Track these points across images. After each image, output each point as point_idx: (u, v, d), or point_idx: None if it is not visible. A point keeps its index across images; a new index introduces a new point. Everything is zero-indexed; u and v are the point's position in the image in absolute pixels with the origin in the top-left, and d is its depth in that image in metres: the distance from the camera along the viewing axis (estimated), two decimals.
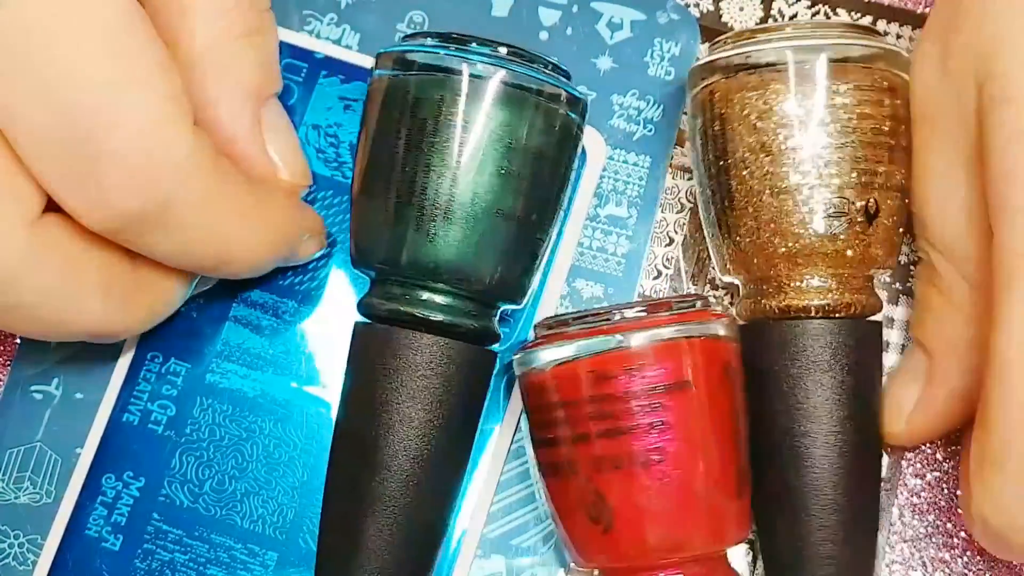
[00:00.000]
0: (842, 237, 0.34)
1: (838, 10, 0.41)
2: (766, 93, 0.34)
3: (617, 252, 0.40)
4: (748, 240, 0.35)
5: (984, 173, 0.32)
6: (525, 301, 0.36)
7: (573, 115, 0.34)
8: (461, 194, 0.33)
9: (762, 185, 0.34)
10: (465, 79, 0.33)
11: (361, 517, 0.33)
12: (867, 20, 0.41)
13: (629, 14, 0.41)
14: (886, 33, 0.41)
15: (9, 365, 0.39)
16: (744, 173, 0.35)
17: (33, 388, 0.39)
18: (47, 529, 0.38)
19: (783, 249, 0.35)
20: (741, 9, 0.41)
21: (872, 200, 0.34)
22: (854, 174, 0.34)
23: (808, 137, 0.34)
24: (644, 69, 0.40)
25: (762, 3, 0.41)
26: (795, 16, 0.41)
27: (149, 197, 0.30)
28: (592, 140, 0.40)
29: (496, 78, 0.33)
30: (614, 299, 0.39)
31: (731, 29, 0.41)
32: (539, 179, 0.34)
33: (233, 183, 0.33)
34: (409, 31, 0.41)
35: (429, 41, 0.34)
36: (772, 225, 0.34)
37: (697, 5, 0.41)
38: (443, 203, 0.33)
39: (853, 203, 0.34)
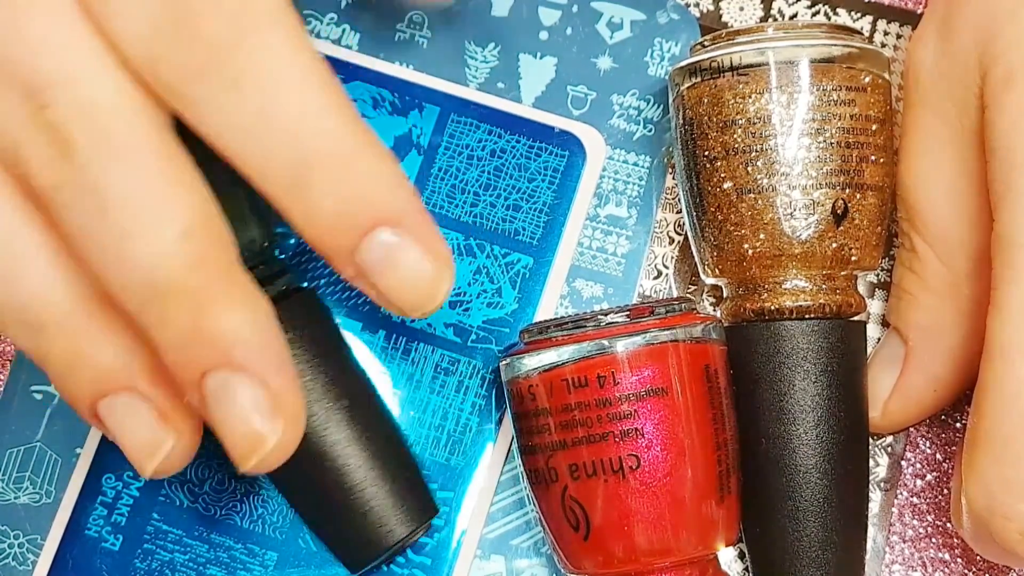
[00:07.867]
0: (811, 238, 0.34)
1: (838, 10, 0.41)
2: (733, 96, 0.34)
3: (617, 252, 0.40)
4: (721, 242, 0.35)
5: (986, 156, 0.32)
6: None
7: None
8: None
9: (731, 187, 0.34)
10: None
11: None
12: (867, 20, 0.41)
13: (629, 14, 0.41)
14: (886, 33, 0.41)
15: (9, 365, 0.39)
16: (714, 175, 0.35)
17: (33, 388, 0.39)
18: (47, 529, 0.38)
19: (751, 252, 0.35)
20: (741, 9, 0.41)
21: (840, 201, 0.34)
22: (820, 175, 0.34)
23: (775, 139, 0.34)
24: (644, 69, 0.40)
25: (762, 3, 0.41)
26: (795, 16, 0.41)
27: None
28: (592, 140, 0.40)
29: None
30: (614, 299, 0.39)
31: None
32: None
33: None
34: (409, 31, 0.41)
35: None
36: (742, 227, 0.34)
37: (697, 5, 0.41)
38: None
39: (820, 204, 0.34)
